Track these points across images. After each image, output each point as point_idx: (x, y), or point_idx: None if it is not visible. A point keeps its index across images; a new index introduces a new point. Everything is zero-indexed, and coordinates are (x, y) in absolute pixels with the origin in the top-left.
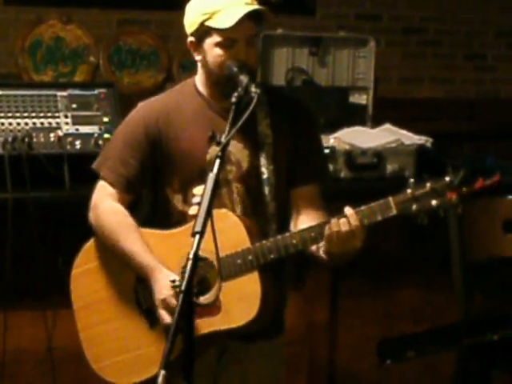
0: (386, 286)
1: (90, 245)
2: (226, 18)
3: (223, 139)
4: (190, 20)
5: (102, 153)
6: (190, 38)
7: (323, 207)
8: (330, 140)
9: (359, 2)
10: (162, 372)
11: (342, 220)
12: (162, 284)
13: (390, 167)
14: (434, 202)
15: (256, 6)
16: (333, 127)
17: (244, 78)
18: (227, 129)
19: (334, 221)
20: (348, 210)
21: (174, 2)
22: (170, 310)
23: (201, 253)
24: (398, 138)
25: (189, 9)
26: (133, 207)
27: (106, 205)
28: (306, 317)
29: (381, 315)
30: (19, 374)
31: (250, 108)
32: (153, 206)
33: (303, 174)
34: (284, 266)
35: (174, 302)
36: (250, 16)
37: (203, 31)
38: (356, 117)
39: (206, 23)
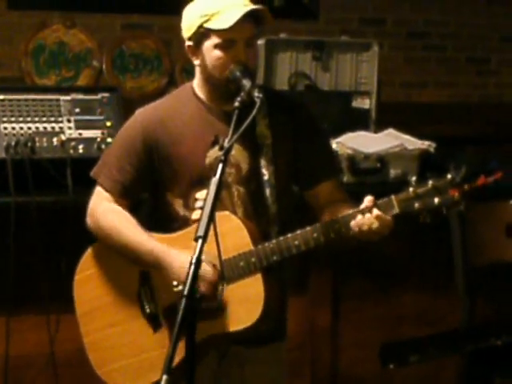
0: (389, 290)
1: (91, 250)
2: (225, 19)
3: (226, 143)
4: (188, 23)
5: (100, 160)
6: (188, 42)
7: (347, 198)
8: (333, 145)
9: (362, 6)
10: (165, 377)
11: (366, 218)
12: (181, 259)
13: (393, 172)
14: (436, 200)
15: (255, 6)
16: (336, 132)
17: (247, 83)
18: (230, 133)
19: (355, 220)
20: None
21: (177, 7)
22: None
23: (203, 256)
24: (401, 143)
25: (186, 13)
26: (133, 213)
27: (103, 206)
28: (307, 321)
29: (383, 319)
30: (22, 378)
31: (254, 112)
32: (154, 211)
33: (318, 173)
34: (284, 270)
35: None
36: (249, 17)
37: (201, 34)
38: (359, 121)
39: (205, 25)
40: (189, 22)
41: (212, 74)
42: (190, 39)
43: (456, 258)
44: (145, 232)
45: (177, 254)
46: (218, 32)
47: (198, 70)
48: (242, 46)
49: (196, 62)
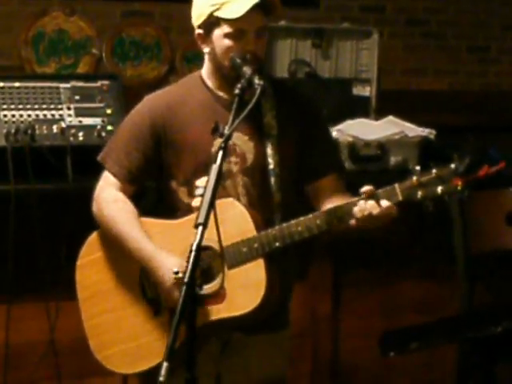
0: (389, 278)
1: (95, 235)
2: (236, 8)
3: (226, 131)
4: (198, 11)
5: (107, 145)
6: (198, 30)
7: (346, 194)
8: (334, 132)
9: None
10: (165, 364)
11: (369, 204)
12: (165, 269)
13: (393, 159)
14: (439, 189)
15: None
16: (336, 119)
17: (247, 70)
18: (230, 120)
19: (358, 206)
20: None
21: None
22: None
23: (206, 242)
24: (401, 130)
25: (196, 0)
26: (138, 199)
27: (107, 194)
28: (308, 308)
29: (384, 307)
30: (23, 365)
31: (254, 100)
32: (159, 198)
33: (321, 166)
34: (289, 258)
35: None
36: (260, 7)
37: (212, 22)
38: (359, 109)
39: (215, 14)
40: (199, 9)
41: (221, 62)
42: (199, 27)
43: (456, 245)
44: (140, 228)
45: (165, 257)
46: (228, 21)
47: (207, 58)
48: (252, 36)
49: (206, 50)
